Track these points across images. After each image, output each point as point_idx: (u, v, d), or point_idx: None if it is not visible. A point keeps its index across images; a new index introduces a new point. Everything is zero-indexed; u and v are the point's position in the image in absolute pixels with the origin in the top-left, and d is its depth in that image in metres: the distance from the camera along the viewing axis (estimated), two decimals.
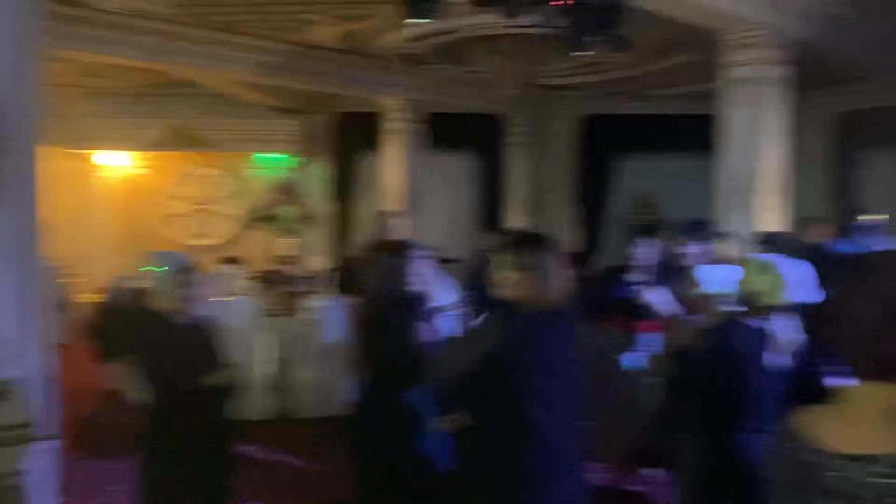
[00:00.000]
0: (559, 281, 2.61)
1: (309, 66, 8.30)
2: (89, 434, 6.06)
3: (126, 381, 6.87)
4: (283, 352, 6.69)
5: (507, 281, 2.66)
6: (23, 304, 3.20)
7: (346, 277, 7.75)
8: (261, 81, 8.93)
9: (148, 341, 3.88)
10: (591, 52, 5.49)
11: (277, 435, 6.13)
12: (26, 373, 3.21)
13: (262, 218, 10.25)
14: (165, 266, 3.84)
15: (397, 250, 3.40)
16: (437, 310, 3.43)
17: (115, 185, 11.91)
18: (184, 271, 3.82)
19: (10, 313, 3.16)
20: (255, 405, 6.35)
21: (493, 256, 2.73)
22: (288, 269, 9.08)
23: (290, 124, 11.58)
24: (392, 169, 9.96)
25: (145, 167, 12.02)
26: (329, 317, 6.69)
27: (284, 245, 10.79)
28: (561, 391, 2.61)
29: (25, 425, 3.17)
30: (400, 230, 5.87)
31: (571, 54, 5.51)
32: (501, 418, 2.57)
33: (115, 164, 11.87)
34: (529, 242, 2.68)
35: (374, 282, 3.41)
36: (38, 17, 3.20)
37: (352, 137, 11.38)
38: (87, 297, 9.29)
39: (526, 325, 2.60)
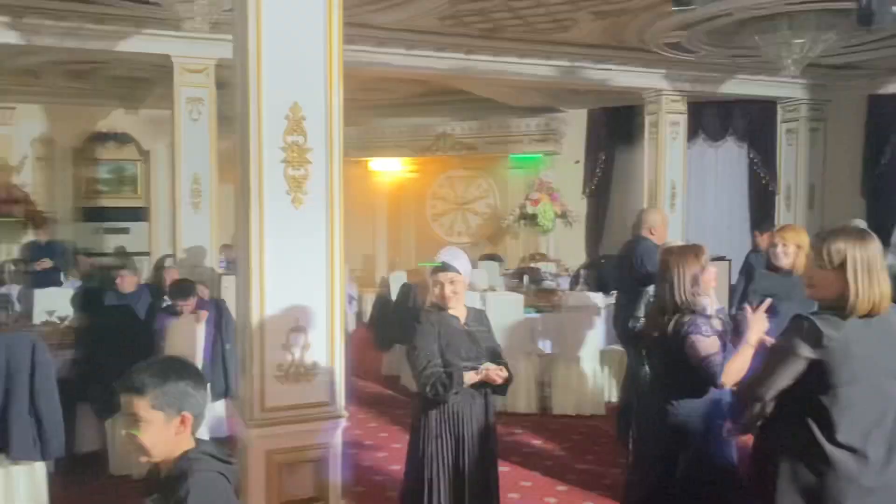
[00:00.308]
0: (881, 280, 2.28)
1: (569, 64, 8.32)
2: (372, 413, 6.62)
3: (400, 368, 7.42)
4: (543, 348, 6.78)
5: (819, 280, 2.39)
6: (323, 294, 3.59)
7: (605, 275, 7.66)
8: (522, 83, 9.12)
9: (415, 333, 4.07)
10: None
11: (540, 429, 6.23)
12: (324, 357, 3.60)
13: (520, 216, 10.49)
14: (437, 262, 4.03)
15: (687, 257, 3.24)
16: (715, 313, 3.24)
17: (387, 188, 12.95)
18: (452, 268, 3.95)
19: (312, 302, 3.57)
20: (519, 399, 6.51)
21: (809, 254, 2.45)
22: (545, 267, 9.20)
23: (547, 123, 11.73)
24: (654, 163, 9.63)
25: (413, 171, 12.91)
26: (586, 314, 6.65)
27: (542, 243, 10.95)
28: (878, 409, 2.30)
29: (326, 404, 3.56)
30: (663, 227, 5.64)
31: (870, 28, 4.86)
32: (802, 434, 2.33)
33: (388, 169, 12.91)
34: (847, 237, 2.34)
35: (660, 290, 3.30)
36: (339, 39, 3.57)
37: (610, 132, 11.22)
38: (365, 289, 10.21)
39: (844, 330, 2.32)
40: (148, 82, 10.44)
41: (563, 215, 10.30)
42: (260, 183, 3.47)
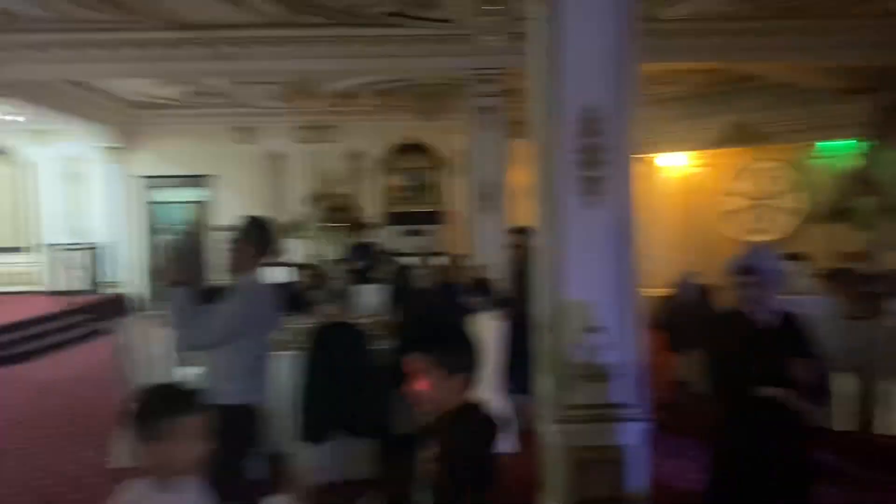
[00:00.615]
0: None
1: (889, 38, 7.30)
2: (665, 418, 6.41)
3: (693, 372, 7.12)
4: (864, 359, 6.03)
5: None
6: (620, 295, 3.58)
7: None
8: (829, 64, 8.23)
9: (714, 337, 3.87)
10: None
11: (860, 450, 5.57)
12: (622, 358, 3.59)
13: (833, 211, 9.41)
14: (738, 263, 3.79)
15: None
16: None
17: (673, 185, 12.48)
18: (753, 269, 3.69)
19: (609, 303, 3.57)
20: (836, 415, 5.87)
21: None
22: (861, 267, 8.17)
23: (858, 106, 10.39)
24: None
25: (702, 166, 12.28)
26: None
27: (855, 240, 9.75)
28: None
29: (627, 405, 3.55)
30: None
31: None
32: None
33: (674, 164, 12.43)
34: None
35: None
36: (632, 35, 3.54)
37: None
38: (653, 290, 9.91)
39: None
40: (443, 94, 11.28)
41: (887, 209, 9.05)
42: (556, 185, 3.56)
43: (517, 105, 9.60)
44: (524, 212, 10.09)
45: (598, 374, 3.56)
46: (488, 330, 5.28)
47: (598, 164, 3.50)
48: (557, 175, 3.55)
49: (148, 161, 13.33)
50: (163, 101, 12.33)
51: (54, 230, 13.35)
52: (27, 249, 13.21)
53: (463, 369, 2.23)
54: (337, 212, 11.34)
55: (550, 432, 3.65)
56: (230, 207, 12.85)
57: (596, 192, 3.52)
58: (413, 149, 13.41)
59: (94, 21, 7.42)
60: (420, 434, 2.31)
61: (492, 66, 7.72)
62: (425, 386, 2.21)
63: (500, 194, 8.31)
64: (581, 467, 3.56)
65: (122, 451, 5.16)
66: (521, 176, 10.65)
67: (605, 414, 3.57)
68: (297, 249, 10.74)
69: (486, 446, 2.20)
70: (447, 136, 12.70)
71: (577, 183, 3.51)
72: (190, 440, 1.84)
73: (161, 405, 1.85)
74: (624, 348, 3.59)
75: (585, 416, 3.57)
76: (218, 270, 8.52)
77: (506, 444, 5.26)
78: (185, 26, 7.57)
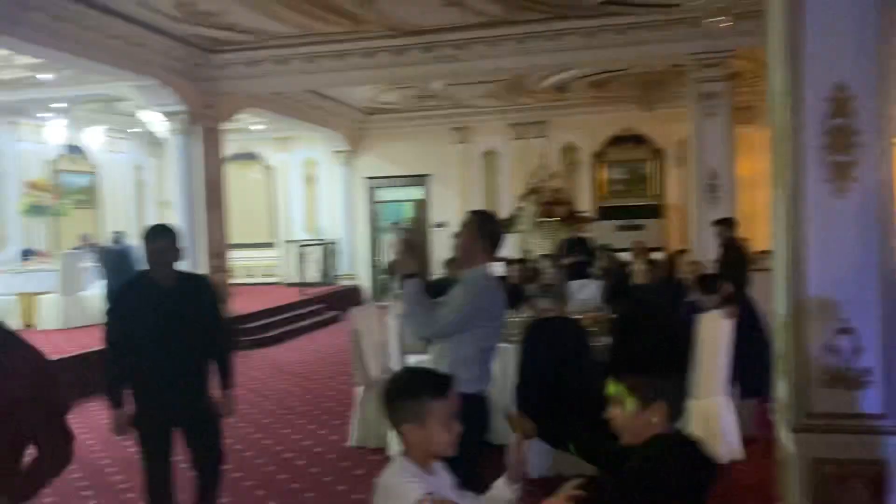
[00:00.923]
0: None
1: None
2: None
3: None
4: None
5: None
6: (873, 293, 3.19)
7: None
8: None
9: None
10: None
11: None
12: (875, 364, 3.21)
13: None
14: None
15: None
16: None
17: None
18: None
19: (859, 301, 3.19)
20: None
21: None
22: None
23: None
24: None
25: None
26: None
27: None
28: None
29: (884, 416, 3.17)
30: None
31: None
32: None
33: None
34: None
35: None
36: (888, 3, 3.14)
37: None
38: None
39: None
40: (660, 83, 10.84)
41: None
42: (799, 172, 3.26)
43: (743, 90, 9.01)
44: (750, 203, 9.43)
45: (846, 381, 3.22)
46: (714, 329, 4.98)
47: (849, 147, 3.15)
48: (800, 161, 3.23)
49: (372, 163, 14.26)
50: (386, 107, 13.12)
51: (295, 227, 14.75)
52: (274, 245, 14.73)
53: (662, 398, 2.13)
54: (550, 206, 11.34)
55: (790, 441, 3.36)
56: (447, 205, 13.37)
57: (846, 179, 3.16)
58: (629, 140, 13.05)
59: (329, 34, 8.07)
60: (615, 458, 2.24)
61: (717, 50, 7.27)
62: (619, 414, 2.17)
63: (727, 184, 7.81)
64: (830, 482, 3.24)
65: (358, 431, 5.56)
66: (747, 164, 9.95)
67: (855, 425, 3.21)
68: (509, 244, 10.90)
69: (674, 486, 2.07)
70: (665, 125, 12.21)
71: (824, 169, 3.18)
72: (445, 424, 1.91)
73: (422, 388, 1.93)
74: (877, 353, 3.20)
75: (832, 427, 3.24)
76: (440, 264, 8.91)
77: (730, 450, 4.95)
78: (409, 32, 7.98)
